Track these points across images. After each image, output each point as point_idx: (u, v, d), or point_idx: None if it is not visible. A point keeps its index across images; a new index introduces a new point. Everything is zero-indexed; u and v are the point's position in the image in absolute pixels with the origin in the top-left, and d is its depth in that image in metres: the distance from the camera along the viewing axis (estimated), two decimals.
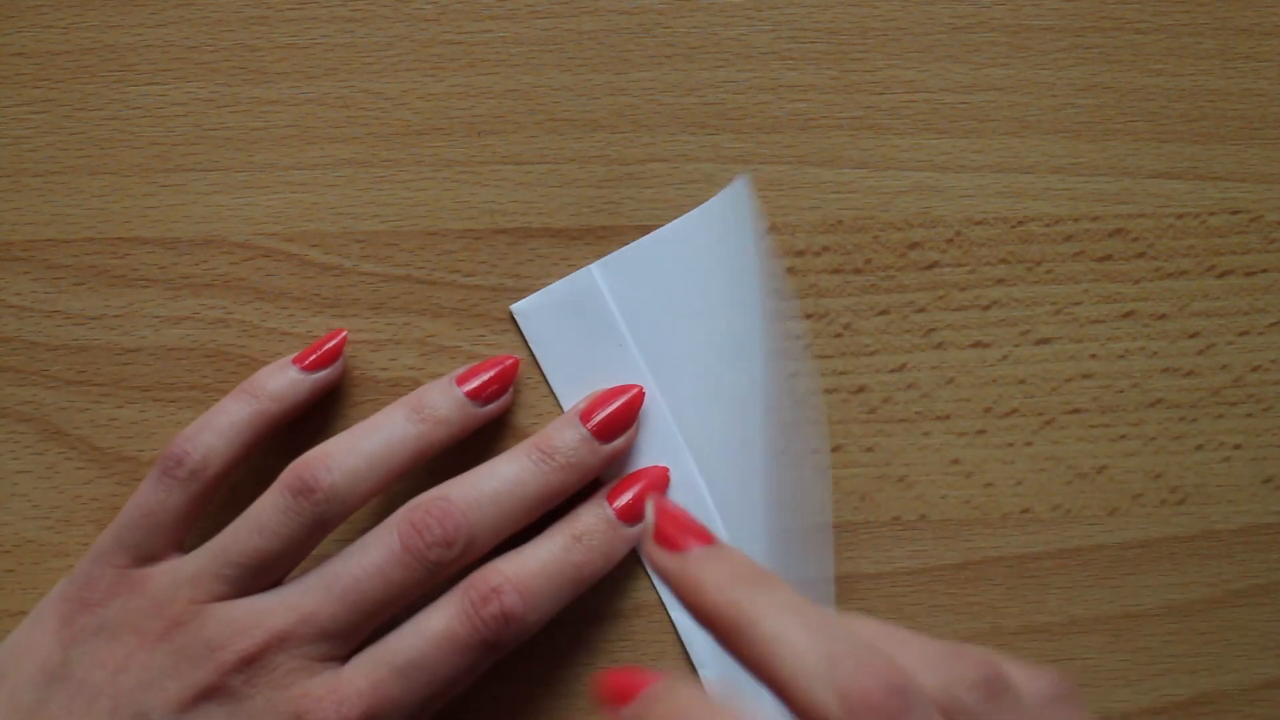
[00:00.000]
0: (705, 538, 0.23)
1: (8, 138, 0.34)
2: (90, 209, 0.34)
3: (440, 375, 0.33)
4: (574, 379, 0.33)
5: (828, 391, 0.33)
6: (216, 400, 0.33)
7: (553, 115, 0.34)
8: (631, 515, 0.31)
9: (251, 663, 0.28)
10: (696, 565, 0.22)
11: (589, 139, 0.33)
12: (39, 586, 0.33)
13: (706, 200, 0.33)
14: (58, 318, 0.33)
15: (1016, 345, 0.33)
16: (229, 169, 0.34)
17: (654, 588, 0.33)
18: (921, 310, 0.33)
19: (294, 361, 0.31)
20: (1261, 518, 0.33)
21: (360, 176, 0.33)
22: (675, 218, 0.33)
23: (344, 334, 0.32)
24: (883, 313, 0.33)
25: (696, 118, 0.33)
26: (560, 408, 0.33)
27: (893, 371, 0.33)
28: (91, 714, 0.28)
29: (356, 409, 0.33)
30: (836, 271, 0.33)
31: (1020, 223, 0.33)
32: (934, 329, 0.33)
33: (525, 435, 0.33)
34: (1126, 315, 0.33)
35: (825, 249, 0.33)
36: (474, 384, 0.31)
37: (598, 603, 0.33)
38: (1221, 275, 0.33)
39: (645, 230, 0.33)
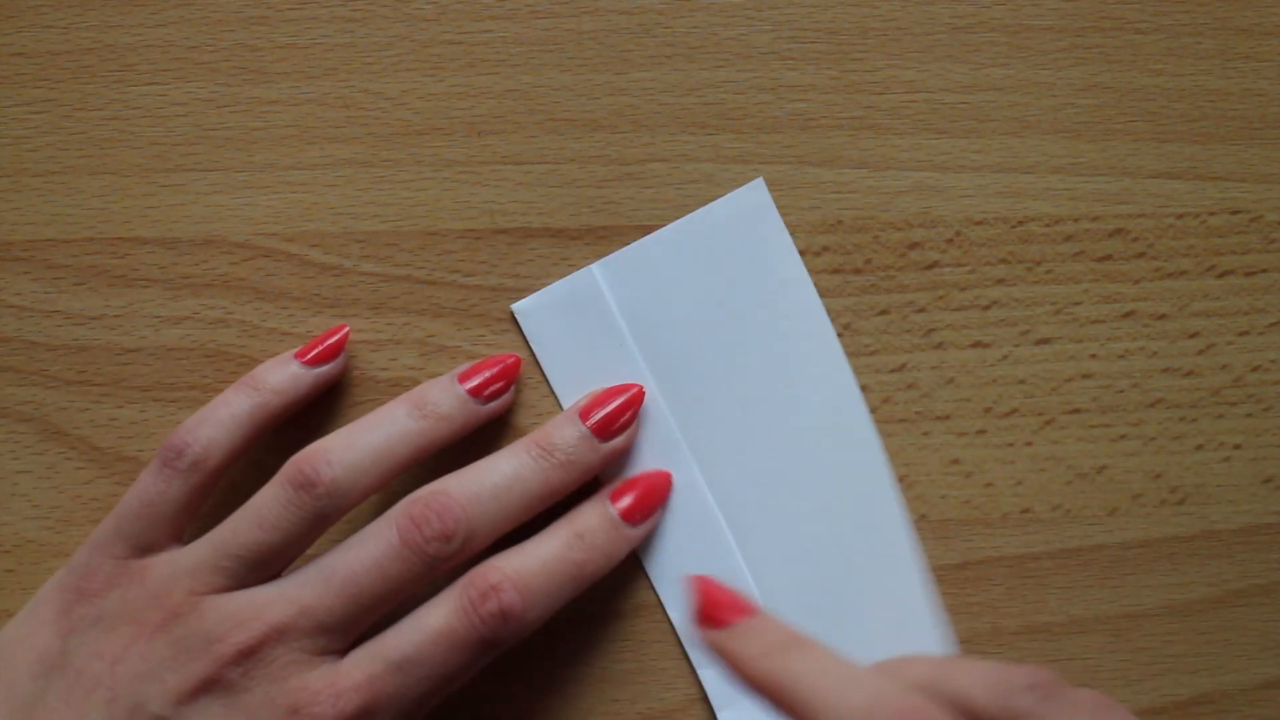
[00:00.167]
0: (745, 610, 0.25)
1: (8, 138, 0.34)
2: (90, 209, 0.34)
3: (440, 375, 0.33)
4: (574, 378, 0.33)
5: None
6: None
7: (553, 115, 0.34)
8: (634, 516, 0.31)
9: (249, 655, 0.28)
10: (738, 641, 0.24)
11: (589, 139, 0.33)
12: (39, 586, 0.33)
13: (709, 200, 0.33)
14: (58, 318, 0.33)
15: (1016, 345, 0.33)
16: (229, 169, 0.34)
17: (653, 588, 0.33)
18: (921, 310, 0.33)
19: (296, 356, 0.31)
20: (1261, 518, 0.33)
21: (360, 176, 0.33)
22: (675, 218, 0.33)
23: (346, 330, 0.32)
24: (883, 313, 0.33)
25: (696, 118, 0.33)
26: (560, 407, 0.33)
27: (893, 371, 0.33)
28: (89, 705, 0.28)
29: (356, 409, 0.33)
30: (836, 271, 0.33)
31: (1020, 223, 0.33)
32: (934, 329, 0.33)
33: (525, 435, 0.33)
34: (1126, 315, 0.33)
35: (825, 249, 0.33)
36: (476, 381, 0.31)
37: (598, 603, 0.33)
38: (1221, 275, 0.33)
39: (645, 230, 0.33)
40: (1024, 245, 0.33)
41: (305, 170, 0.33)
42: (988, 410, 0.33)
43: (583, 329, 0.33)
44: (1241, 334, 0.33)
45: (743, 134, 0.33)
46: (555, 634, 0.33)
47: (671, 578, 0.33)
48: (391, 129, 0.34)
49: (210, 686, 0.27)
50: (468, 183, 0.33)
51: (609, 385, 0.32)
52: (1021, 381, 0.33)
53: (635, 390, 0.32)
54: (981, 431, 0.33)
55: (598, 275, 0.33)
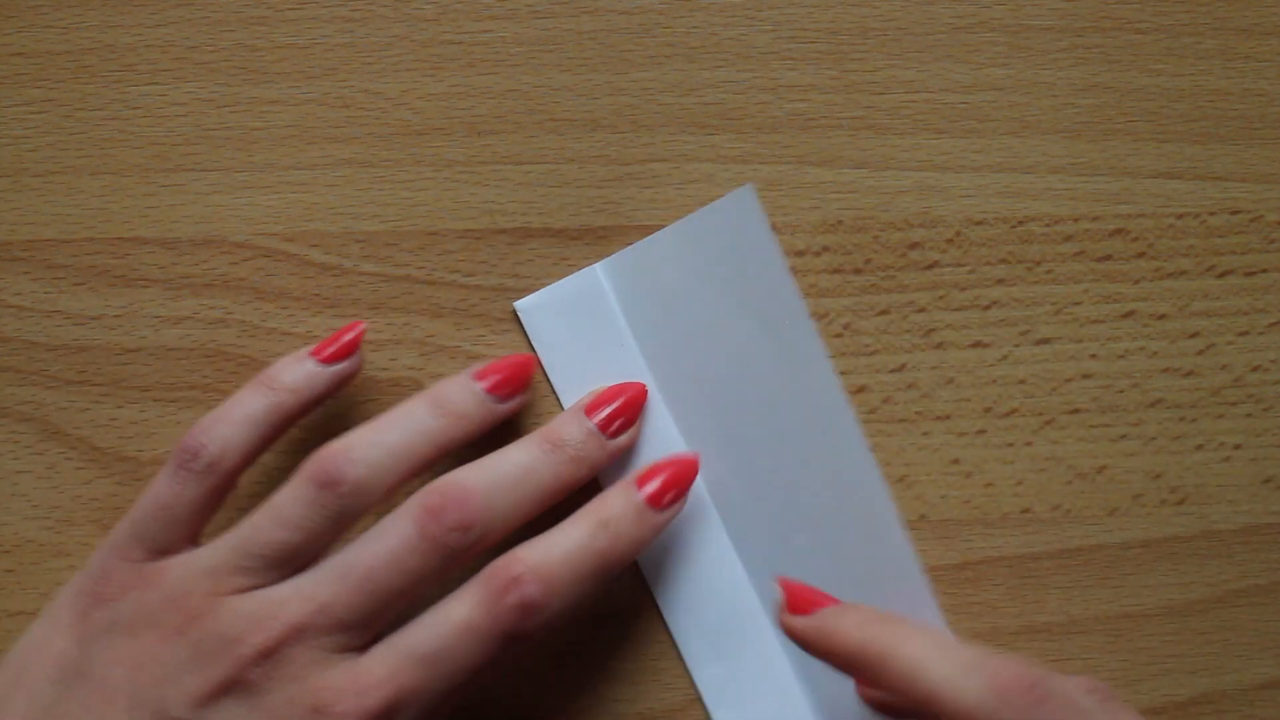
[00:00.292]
0: (830, 599, 0.28)
1: (8, 138, 0.34)
2: (90, 209, 0.34)
3: (440, 375, 0.33)
4: (575, 377, 0.33)
5: None
6: (217, 400, 0.33)
7: (553, 115, 0.34)
8: (661, 500, 0.30)
9: (269, 656, 0.27)
10: (832, 619, 0.28)
11: (589, 139, 0.33)
12: (39, 586, 0.33)
13: (709, 200, 0.33)
14: (58, 318, 0.33)
15: (1016, 345, 0.33)
16: (229, 169, 0.34)
17: (648, 590, 0.33)
18: (921, 310, 0.33)
19: (312, 354, 0.31)
20: (1261, 518, 0.33)
21: (360, 176, 0.33)
22: (675, 218, 0.33)
23: (362, 326, 0.31)
24: (883, 313, 0.33)
25: (696, 118, 0.33)
26: (560, 405, 0.33)
27: (893, 371, 0.33)
28: (110, 712, 0.27)
29: (356, 408, 0.33)
30: (836, 271, 0.33)
31: (1020, 223, 0.33)
32: (934, 329, 0.33)
33: (525, 433, 0.33)
34: (1126, 315, 0.33)
35: (825, 249, 0.33)
36: (493, 379, 0.31)
37: (598, 603, 0.33)
38: (1221, 275, 0.33)
39: (645, 230, 0.33)
40: (1024, 245, 0.33)
41: (305, 170, 0.33)
42: (988, 410, 0.33)
43: (584, 328, 0.33)
44: (1241, 334, 0.33)
45: (743, 134, 0.33)
46: (555, 634, 0.33)
47: (667, 578, 0.33)
48: (391, 129, 0.34)
49: (230, 688, 0.27)
50: (468, 183, 0.33)
51: (610, 384, 0.32)
52: (1021, 381, 0.33)
53: (638, 388, 0.32)
54: (981, 431, 0.33)
55: (600, 275, 0.33)
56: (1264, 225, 0.33)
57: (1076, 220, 0.33)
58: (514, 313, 0.33)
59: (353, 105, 0.34)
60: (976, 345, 0.33)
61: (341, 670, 0.27)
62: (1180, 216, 0.33)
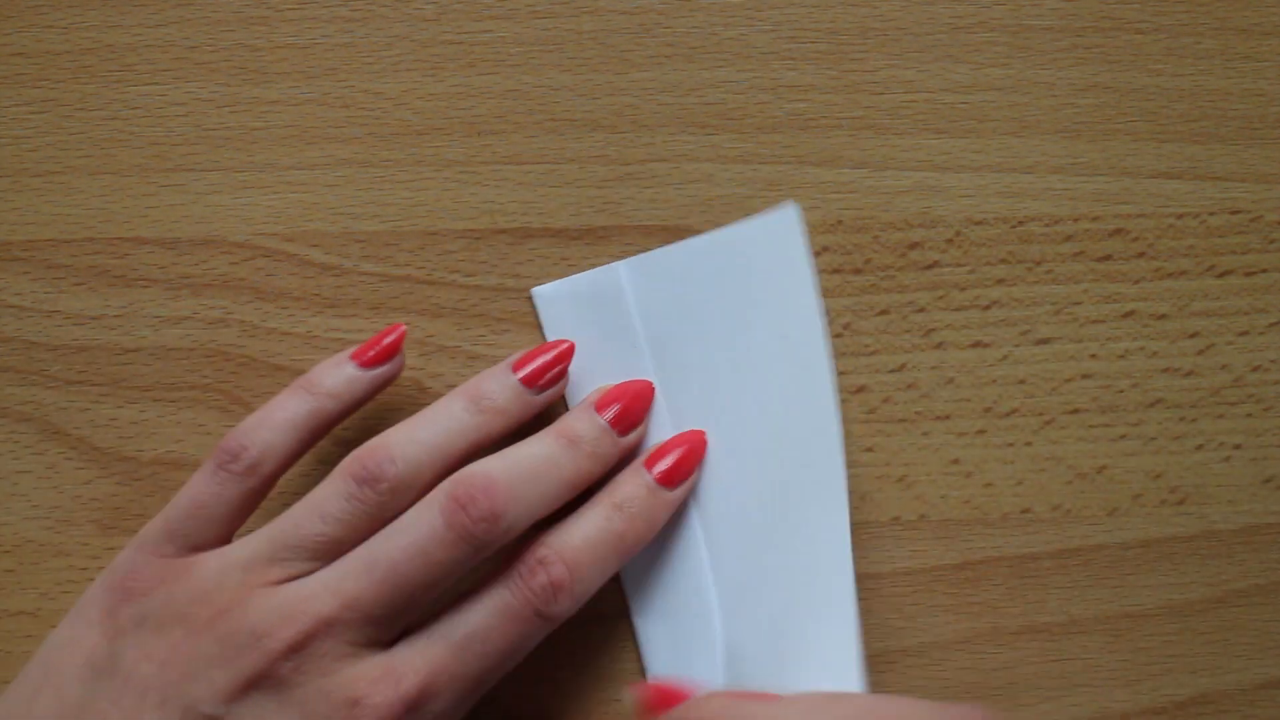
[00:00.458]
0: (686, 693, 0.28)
1: (8, 138, 0.34)
2: (90, 209, 0.34)
3: (440, 375, 0.33)
4: (581, 371, 0.33)
5: None
6: (217, 400, 0.33)
7: (553, 115, 0.34)
8: (671, 479, 0.31)
9: (298, 650, 0.27)
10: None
11: (589, 139, 0.33)
12: (39, 586, 0.33)
13: (709, 200, 0.33)
14: (58, 318, 0.33)
15: (1016, 345, 0.33)
16: (229, 169, 0.34)
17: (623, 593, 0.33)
18: (921, 310, 0.33)
19: (352, 358, 0.31)
20: (1261, 518, 0.33)
21: (360, 176, 0.33)
22: (675, 218, 0.33)
23: (402, 329, 0.31)
24: (883, 313, 0.33)
25: (696, 118, 0.33)
26: (562, 397, 0.33)
27: (893, 371, 0.33)
28: (141, 709, 0.27)
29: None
30: (836, 271, 0.33)
31: (1020, 223, 0.33)
32: (934, 329, 0.33)
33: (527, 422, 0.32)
34: (1126, 315, 0.33)
35: (825, 249, 0.33)
36: (531, 368, 0.31)
37: (598, 603, 0.33)
38: (1221, 275, 0.33)
39: (645, 230, 0.33)
40: (1024, 245, 0.33)
41: (305, 170, 0.33)
42: (988, 410, 0.33)
43: (598, 323, 0.33)
44: (1241, 334, 0.33)
45: (743, 134, 0.33)
46: (557, 634, 0.33)
47: (641, 587, 0.33)
48: (391, 129, 0.34)
49: (260, 683, 0.27)
50: (468, 183, 0.33)
51: (615, 381, 0.32)
52: (1021, 381, 0.33)
53: (647, 387, 0.32)
54: (981, 431, 0.33)
55: (622, 273, 0.33)
56: (1264, 225, 0.33)
57: (1076, 220, 0.33)
58: (514, 313, 0.33)
59: (353, 105, 0.34)
60: (976, 345, 0.33)
61: (374, 662, 0.28)
62: (1180, 216, 0.33)
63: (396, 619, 0.28)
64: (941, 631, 0.33)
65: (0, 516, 0.33)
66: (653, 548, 0.32)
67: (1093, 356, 0.33)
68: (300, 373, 0.32)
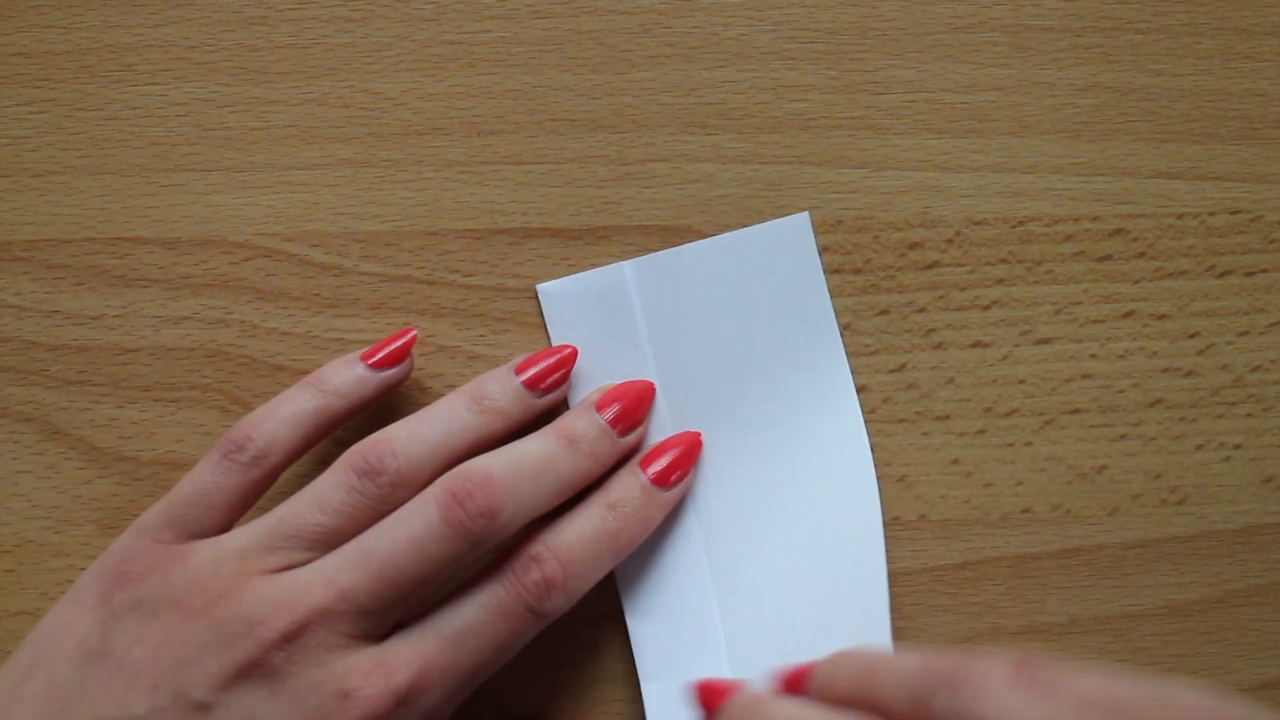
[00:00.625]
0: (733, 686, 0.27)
1: (8, 138, 0.34)
2: (90, 209, 0.34)
3: (440, 375, 0.33)
4: (583, 369, 0.33)
5: None
6: (217, 400, 0.33)
7: (553, 115, 0.34)
8: (665, 480, 0.31)
9: (292, 640, 0.27)
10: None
11: (589, 139, 0.33)
12: (39, 586, 0.33)
13: (709, 200, 0.33)
14: (58, 318, 0.33)
15: (1016, 345, 0.33)
16: (229, 169, 0.34)
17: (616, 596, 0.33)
18: (921, 310, 0.33)
19: (362, 358, 0.31)
20: (1261, 518, 0.33)
21: (360, 176, 0.33)
22: (675, 218, 0.33)
23: (413, 333, 0.32)
24: (883, 313, 0.33)
25: (696, 118, 0.33)
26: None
27: (893, 371, 0.33)
28: (132, 693, 0.27)
29: None
30: (836, 271, 0.33)
31: (1020, 223, 0.33)
32: (934, 329, 0.33)
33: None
34: (1126, 315, 0.33)
35: (825, 249, 0.33)
36: (533, 372, 0.31)
37: (598, 603, 0.33)
38: (1221, 275, 0.33)
39: (645, 230, 0.33)
40: (1024, 245, 0.33)
41: (305, 170, 0.33)
42: (988, 410, 0.33)
43: (602, 322, 0.33)
44: (1241, 334, 0.33)
45: (743, 134, 0.33)
46: (555, 634, 0.33)
47: (636, 588, 0.32)
48: (391, 129, 0.34)
49: (252, 671, 0.27)
50: (468, 183, 0.34)
51: (617, 381, 0.32)
52: (1021, 381, 0.33)
53: (648, 388, 0.32)
54: (981, 431, 0.33)
55: (628, 273, 0.33)
56: (1264, 225, 0.33)
57: (1076, 220, 0.33)
58: (514, 313, 0.33)
59: (353, 105, 0.34)
60: (976, 345, 0.33)
61: (366, 654, 0.28)
62: (1180, 216, 0.33)
63: (390, 612, 0.28)
64: (941, 631, 0.33)
65: (0, 516, 0.33)
66: (649, 549, 0.32)
67: (1093, 356, 0.33)
68: (301, 373, 0.32)
